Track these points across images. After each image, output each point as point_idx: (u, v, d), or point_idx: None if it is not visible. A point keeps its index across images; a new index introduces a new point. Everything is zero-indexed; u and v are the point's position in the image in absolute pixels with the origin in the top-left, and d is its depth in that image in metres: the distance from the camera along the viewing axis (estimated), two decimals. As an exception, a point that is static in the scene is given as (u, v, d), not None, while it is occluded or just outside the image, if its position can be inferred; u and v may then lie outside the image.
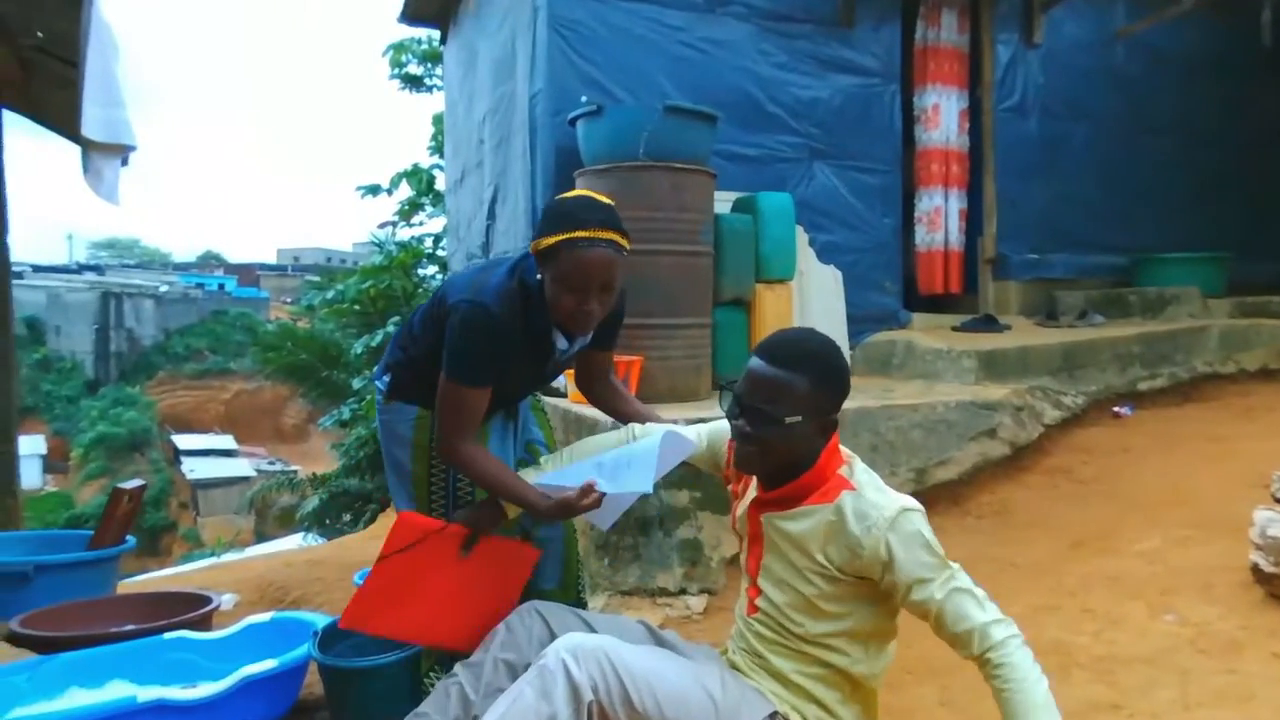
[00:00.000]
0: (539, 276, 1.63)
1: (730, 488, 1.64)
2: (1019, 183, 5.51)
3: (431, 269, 11.70)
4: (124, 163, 3.72)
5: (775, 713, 1.40)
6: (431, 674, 1.83)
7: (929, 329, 5.06)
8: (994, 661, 1.26)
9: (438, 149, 11.71)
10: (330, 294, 12.90)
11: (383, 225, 12.88)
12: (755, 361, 1.42)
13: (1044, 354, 4.32)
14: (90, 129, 2.52)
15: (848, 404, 1.53)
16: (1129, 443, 3.73)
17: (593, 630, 1.54)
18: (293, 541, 10.97)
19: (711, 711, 1.35)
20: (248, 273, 49.22)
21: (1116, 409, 4.24)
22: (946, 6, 5.31)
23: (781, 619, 1.42)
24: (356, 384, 10.33)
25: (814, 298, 4.60)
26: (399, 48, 11.96)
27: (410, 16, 6.51)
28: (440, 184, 11.29)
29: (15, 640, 2.34)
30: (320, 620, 2.16)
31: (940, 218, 5.46)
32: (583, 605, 1.96)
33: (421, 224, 12.42)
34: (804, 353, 1.41)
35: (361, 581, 1.75)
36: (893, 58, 5.02)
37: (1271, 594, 2.07)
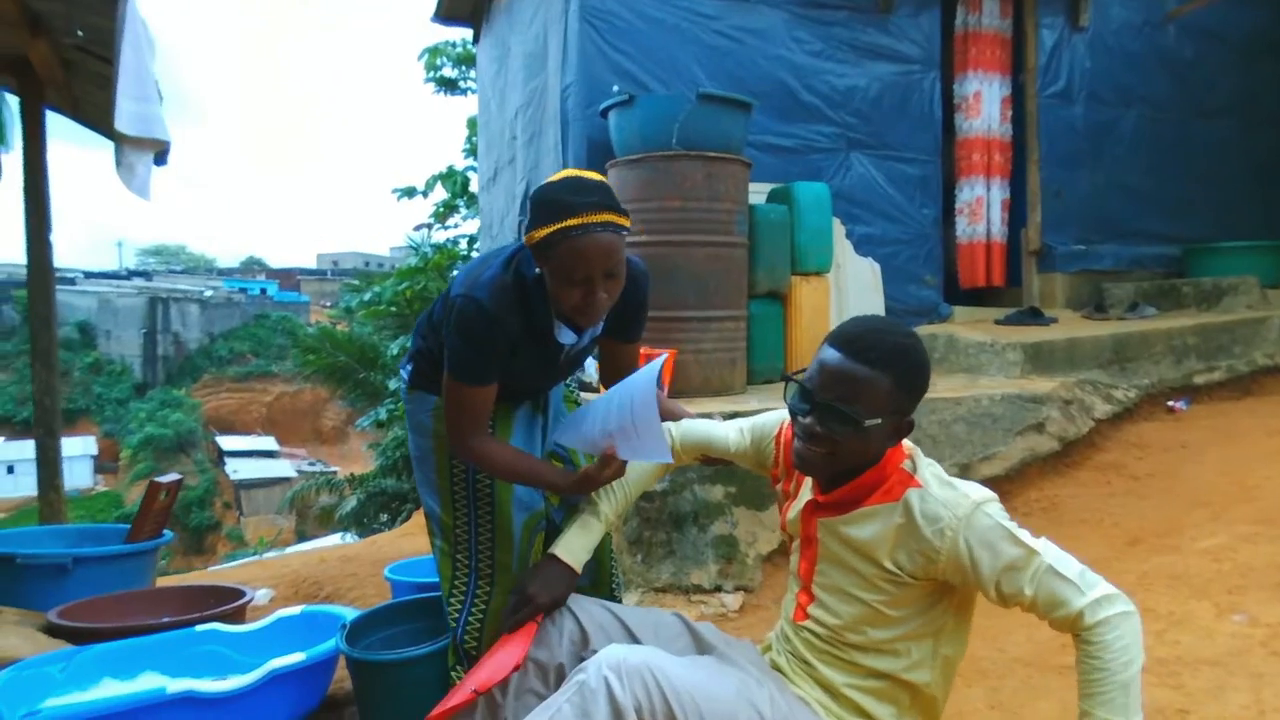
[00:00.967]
0: (537, 270, 1.53)
1: (779, 487, 1.53)
2: (1065, 171, 5.34)
3: (466, 270, 11.77)
4: (162, 162, 3.77)
5: None
6: (456, 670, 1.78)
7: (971, 322, 4.91)
8: (1085, 642, 1.16)
9: (472, 151, 11.80)
10: (367, 296, 13.08)
11: (418, 228, 13.04)
12: (831, 353, 1.27)
13: (1093, 346, 4.16)
14: (123, 123, 2.53)
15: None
16: (1186, 438, 3.56)
17: (625, 625, 1.47)
18: (332, 541, 11.11)
19: None
20: (288, 277, 50.22)
21: (1171, 403, 4.06)
22: (988, -10, 5.17)
23: (839, 629, 1.32)
24: (393, 385, 10.43)
25: (851, 291, 4.49)
26: (434, 51, 12.08)
27: (444, 16, 6.52)
28: (475, 186, 11.36)
29: (53, 631, 2.35)
30: (349, 614, 2.13)
31: (982, 208, 5.31)
32: (616, 602, 1.89)
33: (456, 226, 12.54)
34: (888, 347, 1.25)
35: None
36: (932, 44, 4.89)
37: (1350, 594, 1.94)
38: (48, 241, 3.56)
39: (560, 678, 1.45)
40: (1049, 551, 1.20)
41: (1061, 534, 2.88)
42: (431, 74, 12.21)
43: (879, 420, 1.24)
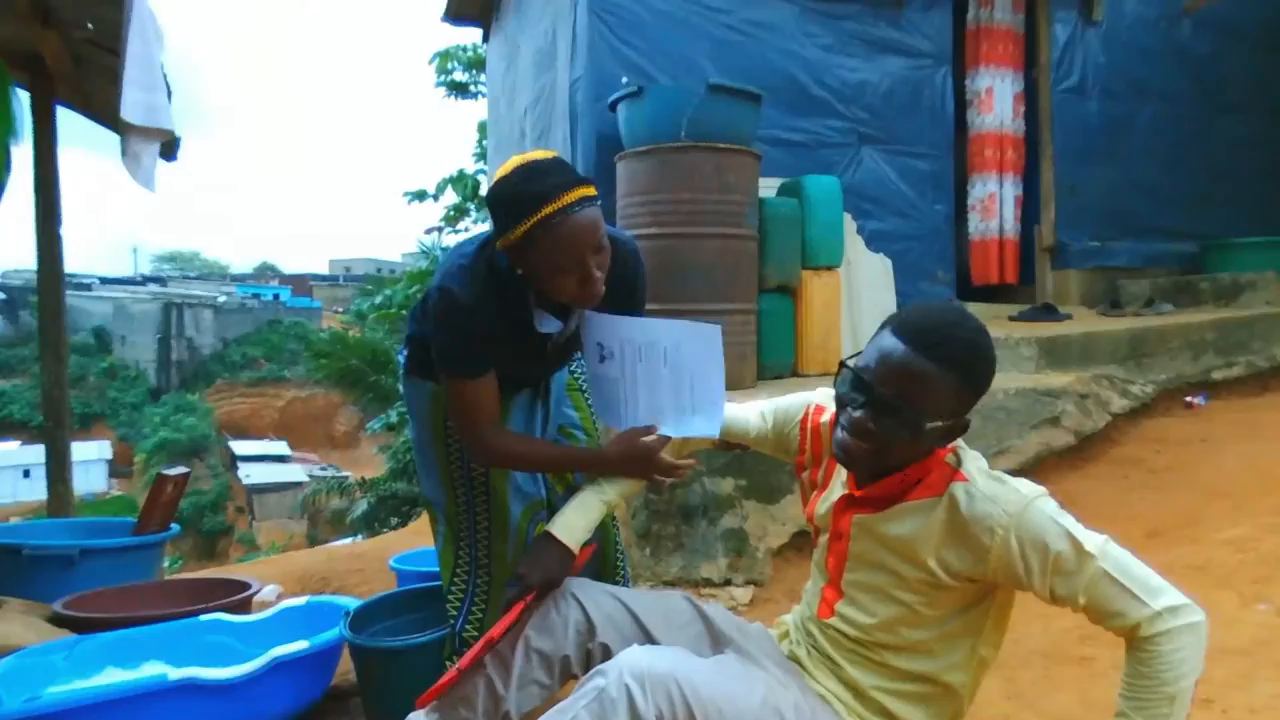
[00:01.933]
0: (519, 271, 1.44)
1: (805, 476, 1.44)
2: (1079, 167, 5.28)
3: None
4: (172, 157, 3.78)
5: None
6: (450, 661, 1.73)
7: (984, 318, 4.83)
8: (1139, 649, 1.08)
9: (482, 155, 11.84)
10: (379, 299, 13.14)
11: (429, 231, 13.09)
12: (894, 343, 1.15)
13: (1109, 341, 4.10)
14: (129, 112, 2.53)
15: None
16: (1206, 432, 3.50)
17: (634, 615, 1.40)
18: (343, 544, 11.11)
19: None
20: (301, 283, 50.54)
21: (1189, 399, 3.99)
22: (1000, -15, 5.12)
23: (870, 628, 1.25)
24: (403, 388, 10.44)
25: (863, 287, 4.44)
26: (444, 55, 12.14)
27: (453, 15, 6.54)
28: (485, 190, 11.38)
29: (58, 621, 2.34)
30: (354, 604, 2.11)
31: (995, 205, 5.26)
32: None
33: (467, 230, 12.56)
34: (960, 343, 1.14)
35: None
36: (944, 39, 4.84)
37: (1379, 584, 1.88)
38: (57, 235, 3.57)
39: (565, 669, 1.40)
40: (1109, 554, 1.10)
41: (1078, 528, 2.82)
42: (442, 78, 12.27)
43: (939, 423, 1.14)
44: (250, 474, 29.94)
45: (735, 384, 3.53)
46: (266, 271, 57.34)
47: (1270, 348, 4.38)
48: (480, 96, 12.08)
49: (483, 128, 11.38)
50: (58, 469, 3.66)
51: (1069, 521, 1.13)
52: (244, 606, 2.51)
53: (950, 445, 1.23)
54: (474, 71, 12.09)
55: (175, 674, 1.80)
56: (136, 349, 35.20)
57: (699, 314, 3.38)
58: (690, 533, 2.83)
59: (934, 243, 4.84)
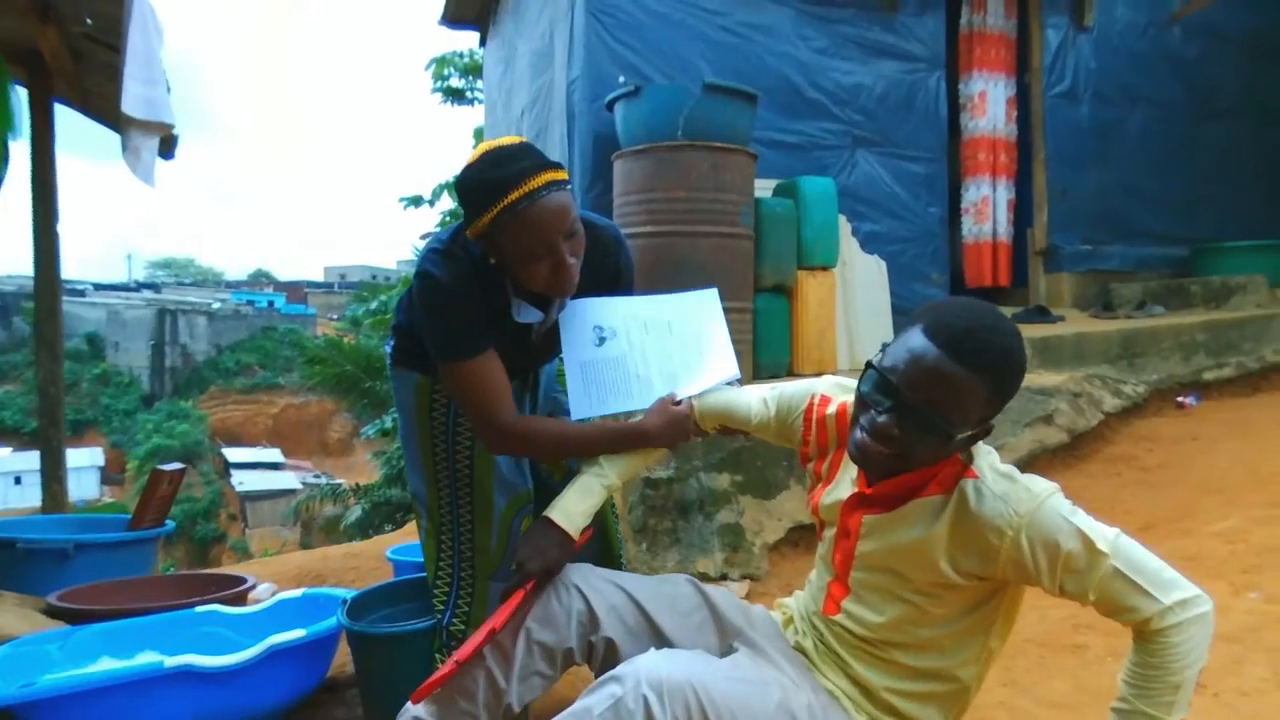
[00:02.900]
0: (491, 261, 1.42)
1: (810, 467, 1.40)
2: (1070, 172, 5.33)
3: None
4: (169, 155, 3.79)
5: None
6: (440, 655, 1.72)
7: (978, 320, 4.88)
8: (1147, 641, 1.09)
9: (478, 160, 11.85)
10: (374, 305, 13.12)
11: (424, 236, 13.06)
12: (928, 346, 1.08)
13: (1101, 342, 4.13)
14: (130, 105, 2.54)
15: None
16: (1197, 431, 3.52)
17: (639, 605, 1.36)
18: (339, 546, 11.06)
19: None
20: (296, 290, 50.46)
21: (1180, 399, 4.02)
22: (993, -9, 5.18)
23: (879, 626, 1.24)
24: (398, 391, 10.41)
25: (858, 288, 4.46)
26: (441, 61, 12.18)
27: (450, 19, 6.58)
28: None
29: (52, 614, 2.34)
30: (350, 593, 2.11)
31: (988, 208, 5.30)
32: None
33: (463, 235, 12.55)
34: (995, 348, 1.08)
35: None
36: (937, 43, 4.89)
37: (1368, 572, 1.90)
38: (54, 234, 3.57)
39: (568, 662, 1.38)
40: (1120, 550, 1.08)
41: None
42: (439, 84, 12.30)
43: (967, 432, 1.10)
44: (243, 481, 29.80)
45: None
46: (261, 278, 57.26)
47: (1260, 349, 4.42)
48: (477, 103, 12.12)
49: (479, 133, 11.41)
50: (52, 469, 3.65)
51: (1081, 519, 1.10)
52: (240, 600, 2.51)
53: None
54: (470, 78, 12.13)
55: (171, 661, 1.80)
56: (130, 355, 35.07)
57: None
58: (686, 527, 2.84)
59: (928, 245, 4.87)
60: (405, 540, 4.54)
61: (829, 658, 1.31)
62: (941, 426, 1.08)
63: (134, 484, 28.85)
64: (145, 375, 35.08)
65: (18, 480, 26.86)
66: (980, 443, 1.20)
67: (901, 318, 4.62)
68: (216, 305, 40.33)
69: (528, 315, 1.51)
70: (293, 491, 27.36)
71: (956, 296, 1.15)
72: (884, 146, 4.73)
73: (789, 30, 4.46)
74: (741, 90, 3.60)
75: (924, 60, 4.84)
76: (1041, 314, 4.86)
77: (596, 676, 1.42)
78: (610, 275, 1.58)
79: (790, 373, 3.85)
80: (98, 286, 41.05)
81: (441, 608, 1.70)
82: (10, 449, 29.10)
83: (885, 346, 1.16)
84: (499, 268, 1.43)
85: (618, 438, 1.48)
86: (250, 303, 44.13)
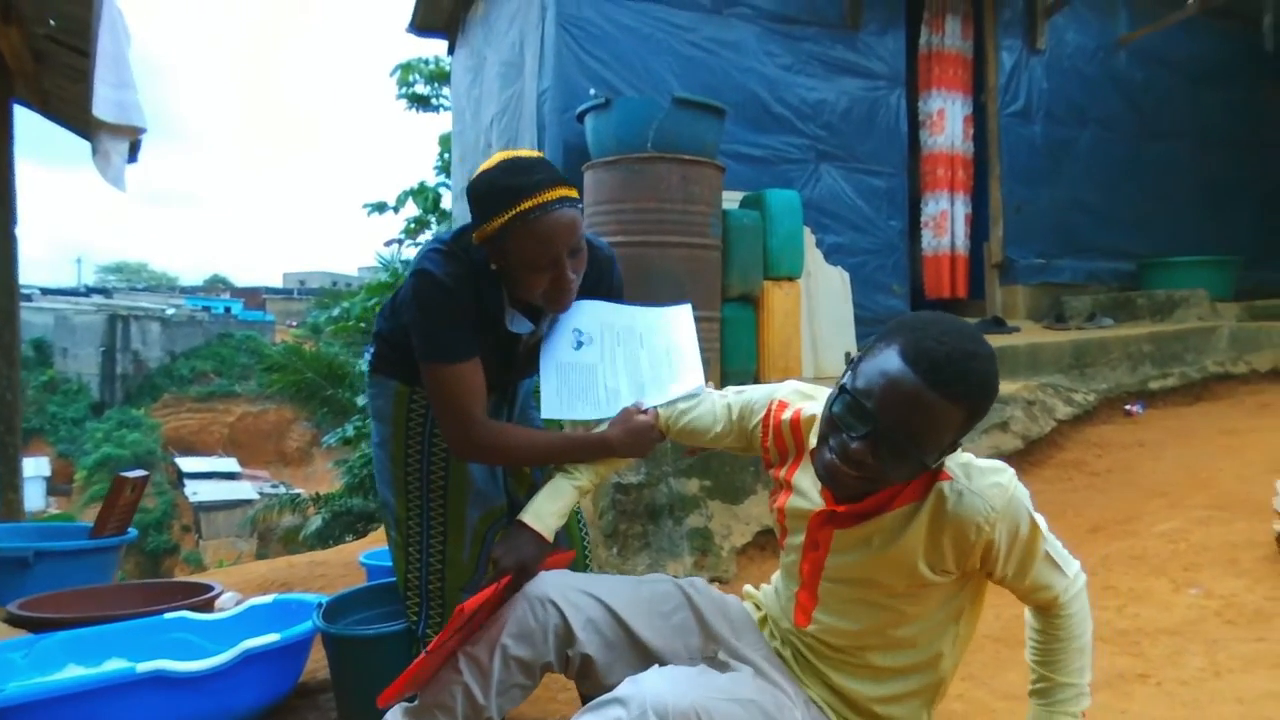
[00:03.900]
0: (493, 267, 1.44)
1: (773, 473, 1.38)
2: (1024, 188, 5.52)
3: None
4: (133, 158, 3.74)
5: None
6: None
7: (937, 331, 5.01)
8: (1054, 617, 1.18)
9: (444, 169, 11.81)
10: (336, 312, 12.96)
11: (389, 243, 12.96)
12: (905, 371, 1.05)
13: (1054, 352, 4.29)
14: (101, 109, 2.53)
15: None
16: (1143, 437, 3.68)
17: (616, 617, 1.33)
18: (303, 555, 10.86)
19: None
20: (254, 296, 49.45)
21: (1128, 407, 4.19)
22: (950, 12, 5.36)
23: (854, 634, 1.25)
24: (361, 401, 10.30)
25: (822, 298, 4.57)
26: (406, 68, 12.12)
27: (419, 26, 6.58)
28: (446, 202, 11.36)
29: (14, 622, 2.30)
30: (324, 598, 2.11)
31: (946, 222, 5.46)
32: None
33: (427, 243, 12.47)
34: (974, 376, 1.06)
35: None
36: (898, 62, 5.04)
37: (1298, 568, 2.02)
38: (12, 235, 3.51)
39: (545, 671, 1.37)
40: (1045, 533, 1.16)
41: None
42: (404, 90, 12.24)
43: (940, 459, 1.10)
44: (198, 491, 29.03)
45: (699, 389, 3.61)
46: (218, 284, 56.00)
47: (1201, 360, 4.62)
48: (443, 109, 12.08)
49: (444, 140, 11.37)
50: (8, 477, 3.57)
51: (1029, 503, 1.16)
52: (207, 608, 2.49)
53: None
54: (436, 84, 12.09)
55: (144, 666, 1.79)
56: (79, 361, 34.01)
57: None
58: (656, 532, 2.88)
59: (889, 257, 5.01)
60: (378, 545, 4.51)
61: (807, 669, 1.32)
62: (916, 454, 1.06)
63: (82, 494, 27.96)
64: (95, 382, 34.04)
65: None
66: None
67: (864, 328, 4.74)
68: (171, 311, 39.35)
69: (519, 325, 1.54)
70: (249, 502, 26.76)
71: (928, 313, 1.15)
72: (847, 161, 4.86)
73: (755, 46, 4.57)
74: (710, 104, 3.68)
75: (885, 78, 4.98)
76: (998, 324, 5.01)
77: (576, 684, 1.45)
78: (603, 294, 1.64)
79: (757, 380, 3.93)
80: (45, 291, 39.78)
81: (415, 619, 1.70)
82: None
83: (854, 363, 1.15)
84: (498, 275, 1.46)
85: (582, 447, 1.52)
86: (206, 308, 43.12)
